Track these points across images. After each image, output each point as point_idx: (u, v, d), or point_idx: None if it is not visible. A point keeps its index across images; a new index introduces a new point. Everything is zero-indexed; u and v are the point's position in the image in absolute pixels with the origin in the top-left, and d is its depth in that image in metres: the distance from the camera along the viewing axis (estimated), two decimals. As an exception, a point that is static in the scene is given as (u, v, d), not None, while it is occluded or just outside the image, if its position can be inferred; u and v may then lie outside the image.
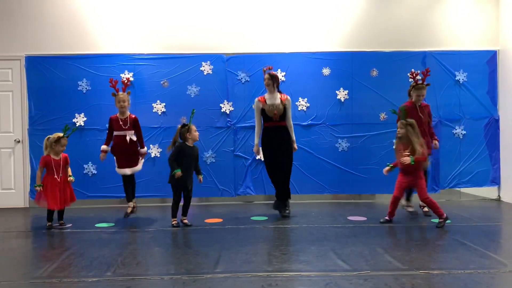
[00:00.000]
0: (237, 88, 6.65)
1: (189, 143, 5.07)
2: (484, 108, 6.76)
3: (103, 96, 6.53)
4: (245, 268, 3.54)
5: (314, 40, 6.71)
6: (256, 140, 5.59)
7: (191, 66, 6.62)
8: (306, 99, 6.66)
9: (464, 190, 6.78)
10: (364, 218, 5.38)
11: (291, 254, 3.93)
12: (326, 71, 6.66)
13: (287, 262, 3.70)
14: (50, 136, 5.16)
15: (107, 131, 5.68)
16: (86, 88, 6.53)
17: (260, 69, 6.64)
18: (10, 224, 5.52)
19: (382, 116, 6.65)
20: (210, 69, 6.62)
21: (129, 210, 5.58)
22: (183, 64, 6.60)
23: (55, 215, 5.24)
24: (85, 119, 6.52)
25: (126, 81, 5.72)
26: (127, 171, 5.54)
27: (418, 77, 5.49)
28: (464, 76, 6.71)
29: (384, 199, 6.62)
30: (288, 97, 5.64)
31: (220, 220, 5.42)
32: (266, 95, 5.57)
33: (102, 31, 6.61)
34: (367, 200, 6.65)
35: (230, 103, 6.62)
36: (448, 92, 6.72)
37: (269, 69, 5.67)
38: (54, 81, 6.51)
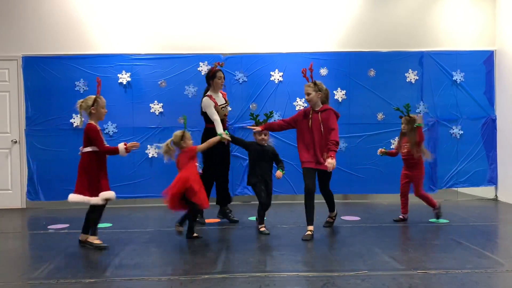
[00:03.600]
0: (234, 88, 6.65)
1: (259, 141, 4.80)
2: (481, 108, 6.78)
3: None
4: (243, 269, 3.54)
5: (311, 40, 6.71)
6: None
7: (189, 66, 6.61)
8: (303, 99, 6.66)
9: (461, 190, 6.80)
10: (358, 218, 5.39)
11: (288, 254, 3.93)
12: (323, 71, 6.67)
13: (284, 262, 3.70)
14: (172, 138, 4.53)
15: (103, 142, 4.31)
16: (83, 89, 6.52)
17: (258, 69, 6.66)
18: (7, 224, 5.50)
19: (380, 116, 6.66)
20: (207, 69, 6.60)
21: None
22: (180, 64, 6.60)
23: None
24: (82, 119, 6.49)
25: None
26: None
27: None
28: (461, 76, 6.73)
29: (381, 199, 6.64)
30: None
31: (217, 220, 5.42)
32: (214, 95, 5.19)
33: (100, 31, 6.60)
34: (364, 200, 6.66)
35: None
36: (445, 92, 6.74)
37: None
38: (51, 82, 6.50)
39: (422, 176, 5.25)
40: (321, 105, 4.52)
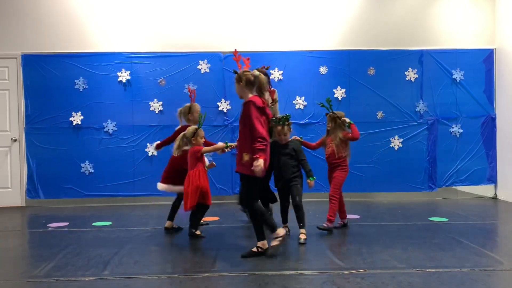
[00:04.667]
0: (234, 86, 6.61)
1: (279, 140, 4.46)
2: (480, 107, 6.78)
3: (100, 94, 6.53)
4: (242, 267, 3.54)
5: (311, 38, 6.71)
6: None
7: (188, 64, 6.61)
8: (303, 97, 6.66)
9: (461, 188, 6.80)
10: (357, 216, 5.40)
11: (288, 253, 3.93)
12: (323, 70, 6.67)
13: (284, 261, 3.71)
14: (185, 132, 4.46)
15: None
16: (83, 87, 6.51)
17: (257, 68, 6.64)
18: (7, 223, 5.50)
19: (379, 114, 6.66)
20: (207, 67, 6.61)
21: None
22: (180, 62, 6.59)
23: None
24: (82, 117, 6.50)
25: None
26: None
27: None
28: (461, 75, 6.73)
29: (381, 198, 6.65)
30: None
31: (217, 218, 5.42)
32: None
33: (99, 30, 6.59)
34: (364, 198, 6.66)
35: (228, 102, 6.62)
36: (445, 91, 6.74)
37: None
38: (50, 80, 6.49)
39: (344, 178, 4.76)
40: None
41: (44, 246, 4.30)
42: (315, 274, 3.36)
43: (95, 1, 6.58)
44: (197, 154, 4.42)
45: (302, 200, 4.40)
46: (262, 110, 3.77)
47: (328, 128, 4.85)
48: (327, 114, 4.88)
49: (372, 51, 6.69)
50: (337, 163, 4.76)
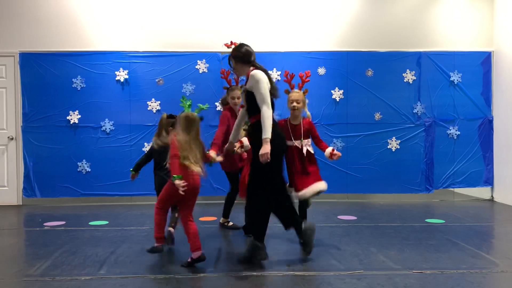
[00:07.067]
0: (232, 86, 6.63)
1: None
2: (478, 109, 6.80)
3: (98, 93, 6.52)
4: (239, 267, 3.54)
5: (309, 39, 6.71)
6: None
7: (187, 64, 6.60)
8: (301, 98, 6.66)
9: (458, 190, 6.81)
10: (354, 218, 5.40)
11: (284, 254, 3.93)
12: (321, 71, 6.67)
13: (280, 262, 3.71)
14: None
15: None
16: (80, 86, 6.50)
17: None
18: (3, 221, 5.48)
19: (377, 116, 6.67)
20: (205, 67, 6.61)
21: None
22: (178, 62, 6.59)
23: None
24: (79, 116, 6.49)
25: (304, 77, 4.53)
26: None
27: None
28: (459, 77, 6.75)
29: (378, 199, 6.65)
30: (253, 73, 3.65)
31: (214, 218, 5.42)
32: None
33: (97, 28, 6.58)
34: (361, 199, 6.66)
35: (225, 102, 6.62)
36: (442, 93, 6.75)
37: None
38: (48, 78, 6.47)
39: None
40: None
41: (40, 245, 4.29)
42: (312, 275, 3.36)
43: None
44: None
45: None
46: None
47: None
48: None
49: (370, 52, 6.71)
50: None
